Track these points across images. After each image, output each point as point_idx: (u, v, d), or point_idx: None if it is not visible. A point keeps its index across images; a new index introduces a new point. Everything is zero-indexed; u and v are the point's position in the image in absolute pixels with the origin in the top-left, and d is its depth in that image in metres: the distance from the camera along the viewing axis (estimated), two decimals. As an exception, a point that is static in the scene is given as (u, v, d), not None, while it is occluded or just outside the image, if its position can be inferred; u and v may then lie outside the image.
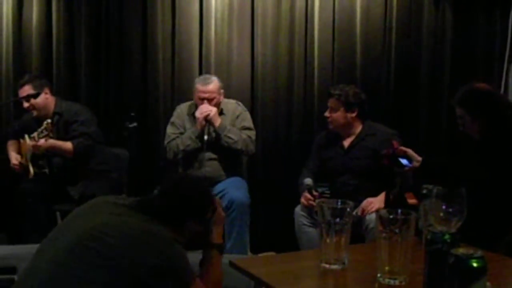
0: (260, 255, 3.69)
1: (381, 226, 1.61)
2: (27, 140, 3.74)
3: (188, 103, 3.90)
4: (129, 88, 4.34)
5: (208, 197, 1.98)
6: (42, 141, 3.51)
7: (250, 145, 3.74)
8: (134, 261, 1.65)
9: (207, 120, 3.61)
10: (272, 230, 4.15)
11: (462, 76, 3.86)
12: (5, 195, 4.06)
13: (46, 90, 3.78)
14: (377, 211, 2.92)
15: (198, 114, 3.63)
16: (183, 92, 4.24)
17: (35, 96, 3.71)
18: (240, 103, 3.93)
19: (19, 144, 3.96)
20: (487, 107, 2.65)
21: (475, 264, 1.28)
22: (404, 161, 2.72)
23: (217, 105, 3.71)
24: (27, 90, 3.73)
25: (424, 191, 1.90)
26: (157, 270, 1.65)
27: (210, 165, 3.71)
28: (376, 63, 4.13)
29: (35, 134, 3.56)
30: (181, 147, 3.69)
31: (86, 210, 1.88)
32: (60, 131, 3.75)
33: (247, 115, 3.87)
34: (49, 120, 3.52)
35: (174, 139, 3.74)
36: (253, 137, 3.79)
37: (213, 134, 3.67)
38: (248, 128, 3.79)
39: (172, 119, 3.85)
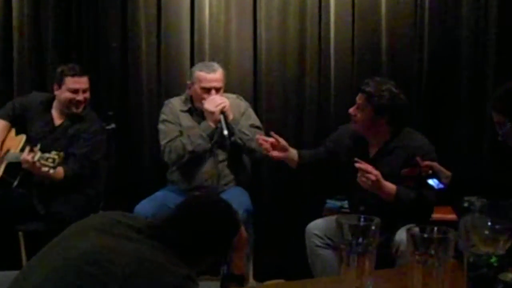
0: (266, 283, 3.68)
1: (413, 247, 1.61)
2: (20, 141, 3.78)
3: (180, 97, 3.90)
4: (105, 82, 4.35)
5: (236, 227, 1.97)
6: (39, 166, 3.44)
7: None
8: None
9: (223, 112, 3.62)
10: (279, 252, 4.13)
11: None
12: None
13: None
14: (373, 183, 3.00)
15: (211, 107, 3.62)
16: (171, 86, 4.26)
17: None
18: (241, 97, 3.94)
19: (7, 132, 3.93)
20: None
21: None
22: (433, 183, 2.71)
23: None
24: (86, 81, 3.82)
25: (465, 204, 1.90)
26: None
27: (222, 169, 3.76)
28: (405, 51, 4.11)
29: (37, 151, 3.48)
30: (190, 148, 3.65)
31: (87, 227, 1.87)
32: (64, 138, 3.76)
33: (252, 112, 3.90)
34: (62, 154, 3.46)
35: (173, 139, 3.72)
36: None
37: (226, 132, 3.63)
38: (257, 127, 3.82)
39: (165, 117, 3.82)
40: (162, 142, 3.75)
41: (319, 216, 3.52)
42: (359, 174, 3.04)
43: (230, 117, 3.67)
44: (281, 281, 3.46)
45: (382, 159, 3.25)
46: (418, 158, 2.83)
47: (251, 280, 3.75)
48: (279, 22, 4.19)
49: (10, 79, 4.41)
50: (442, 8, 4.06)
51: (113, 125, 3.74)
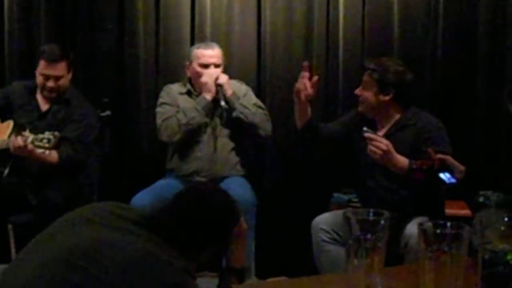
0: (268, 280, 3.68)
1: (425, 243, 1.61)
2: (7, 127, 3.78)
3: (178, 83, 3.96)
4: (100, 66, 4.35)
5: (235, 216, 1.98)
6: (33, 150, 3.46)
7: (267, 123, 3.84)
8: None
9: (218, 85, 3.69)
10: (283, 248, 4.14)
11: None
12: None
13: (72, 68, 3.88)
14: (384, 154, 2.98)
15: (206, 78, 3.72)
16: (170, 71, 4.26)
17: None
18: (241, 82, 3.99)
19: None
20: None
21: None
22: (445, 177, 2.70)
23: None
24: (61, 69, 3.79)
25: (480, 199, 1.90)
26: None
27: (212, 158, 3.79)
28: (418, 35, 4.10)
29: (28, 134, 3.49)
30: (184, 121, 3.71)
31: (78, 218, 1.87)
32: (54, 123, 3.76)
33: (253, 95, 3.95)
34: (57, 133, 3.48)
35: (170, 117, 3.77)
36: (268, 117, 3.88)
37: (223, 103, 3.70)
38: (260, 107, 3.87)
39: (162, 100, 3.89)
40: (158, 121, 3.82)
41: (325, 210, 3.52)
42: (368, 145, 3.01)
43: (229, 92, 3.74)
44: (284, 278, 3.45)
45: (391, 138, 3.18)
46: (430, 150, 2.81)
47: (253, 278, 3.76)
48: (284, 4, 4.18)
49: (1, 64, 4.42)
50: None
51: (108, 112, 3.73)
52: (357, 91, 3.33)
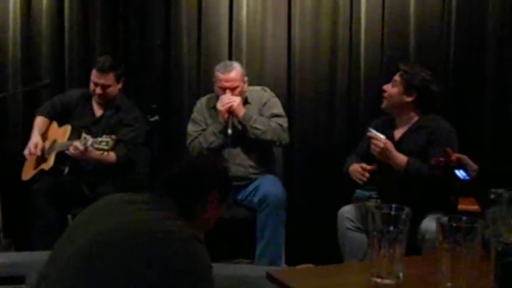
0: (297, 267, 3.67)
1: (442, 235, 1.57)
2: (65, 131, 3.82)
3: (208, 95, 3.94)
4: (150, 77, 4.37)
5: (221, 167, 2.04)
6: (93, 152, 3.49)
7: (282, 134, 3.75)
8: (151, 265, 1.65)
9: (230, 111, 3.63)
10: (310, 237, 4.12)
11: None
12: (13, 195, 4.14)
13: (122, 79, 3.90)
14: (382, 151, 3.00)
15: (219, 106, 3.66)
16: (209, 81, 4.21)
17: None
18: (266, 88, 3.94)
19: (48, 126, 3.98)
20: None
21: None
22: (460, 174, 2.67)
23: (242, 94, 3.74)
24: (109, 79, 3.81)
25: (492, 196, 1.85)
26: (179, 274, 1.66)
27: (240, 163, 3.72)
28: (432, 50, 4.05)
29: (88, 138, 3.51)
30: (205, 145, 3.70)
31: (99, 209, 1.90)
32: (107, 127, 3.78)
33: (276, 101, 3.87)
34: (114, 137, 3.47)
35: (196, 137, 3.77)
36: (285, 125, 3.78)
37: (239, 127, 3.68)
38: (278, 115, 3.79)
39: (192, 116, 3.89)
40: (187, 142, 3.83)
41: (347, 200, 3.47)
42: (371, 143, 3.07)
43: (240, 115, 3.66)
44: (310, 265, 3.44)
45: (407, 137, 3.26)
46: (448, 149, 2.79)
47: (283, 264, 3.74)
48: (312, 22, 4.17)
49: (62, 74, 4.47)
50: (468, 8, 3.97)
51: (156, 117, 3.74)
52: (385, 87, 3.33)
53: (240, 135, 3.68)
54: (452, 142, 3.14)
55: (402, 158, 3.07)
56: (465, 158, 2.72)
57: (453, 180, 2.71)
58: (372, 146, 3.08)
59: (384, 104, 3.34)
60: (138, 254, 1.68)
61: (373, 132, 3.11)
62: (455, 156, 2.72)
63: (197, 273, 1.72)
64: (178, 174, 1.96)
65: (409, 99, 3.26)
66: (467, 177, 2.65)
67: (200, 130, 3.79)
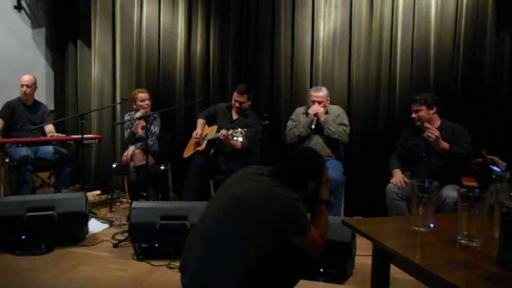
0: (353, 218, 3.61)
1: (461, 201, 1.51)
2: (214, 128, 3.92)
3: (304, 106, 3.92)
4: (262, 97, 4.39)
5: (322, 162, 1.98)
6: (231, 136, 3.55)
7: (344, 137, 3.71)
8: (268, 213, 1.69)
9: (316, 115, 3.65)
10: (364, 200, 4.01)
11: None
12: (178, 166, 4.29)
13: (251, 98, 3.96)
14: (436, 139, 2.93)
15: (310, 111, 3.69)
16: (298, 100, 4.26)
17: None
18: (341, 108, 3.90)
19: (204, 125, 4.09)
20: None
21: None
22: (497, 169, 2.58)
23: (325, 107, 3.74)
24: (244, 98, 3.88)
25: (494, 176, 1.76)
26: (285, 219, 1.69)
27: (318, 147, 3.66)
28: (445, 78, 3.86)
29: (230, 130, 3.59)
30: (297, 133, 3.72)
31: (237, 177, 1.93)
32: (239, 127, 3.74)
33: (345, 116, 3.84)
34: (245, 129, 3.56)
35: (292, 129, 3.78)
36: (347, 131, 3.74)
37: (313, 126, 3.67)
38: (345, 125, 3.76)
39: (292, 117, 3.90)
40: (286, 131, 3.82)
41: (388, 181, 3.31)
42: (426, 132, 3.01)
43: (322, 118, 3.66)
44: (360, 217, 3.37)
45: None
46: (484, 152, 2.72)
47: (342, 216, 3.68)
48: (365, 62, 4.07)
49: (207, 94, 4.55)
50: (471, 52, 3.78)
51: (267, 122, 3.80)
52: (413, 115, 3.23)
53: (319, 131, 3.68)
54: (466, 135, 3.12)
55: (446, 144, 3.03)
56: (496, 158, 2.66)
57: (489, 173, 2.59)
58: (429, 134, 3.00)
59: (419, 123, 3.22)
60: (262, 205, 1.73)
61: (429, 126, 3.06)
62: (489, 157, 2.64)
63: (298, 218, 1.74)
64: (293, 162, 1.91)
65: (433, 111, 3.20)
66: (499, 171, 2.56)
67: (294, 125, 3.80)
